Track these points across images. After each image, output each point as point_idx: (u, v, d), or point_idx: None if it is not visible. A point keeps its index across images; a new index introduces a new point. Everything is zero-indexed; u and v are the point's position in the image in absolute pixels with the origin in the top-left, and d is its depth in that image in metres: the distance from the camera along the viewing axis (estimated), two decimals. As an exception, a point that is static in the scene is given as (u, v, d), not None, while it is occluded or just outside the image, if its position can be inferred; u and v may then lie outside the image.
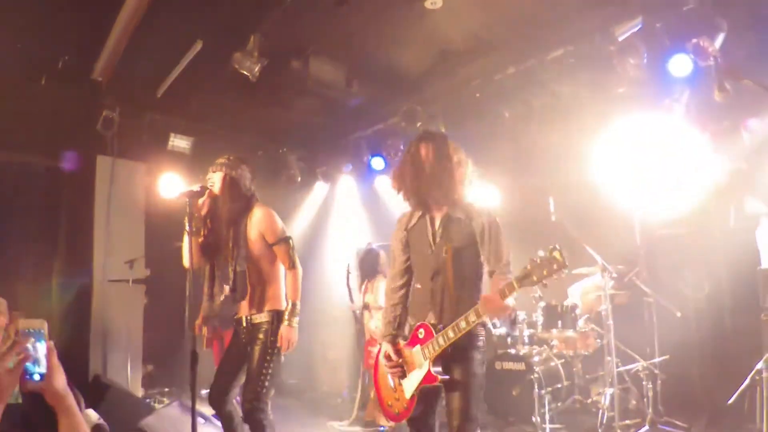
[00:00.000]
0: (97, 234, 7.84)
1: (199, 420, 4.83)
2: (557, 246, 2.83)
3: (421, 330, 3.27)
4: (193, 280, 4.00)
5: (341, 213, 10.23)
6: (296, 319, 4.15)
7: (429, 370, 3.18)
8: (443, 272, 3.28)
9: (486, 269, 3.33)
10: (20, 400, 1.79)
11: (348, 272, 7.24)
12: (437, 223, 3.38)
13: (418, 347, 3.25)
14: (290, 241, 4.30)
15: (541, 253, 2.88)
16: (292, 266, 4.25)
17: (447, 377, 3.19)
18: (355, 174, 9.49)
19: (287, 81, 6.90)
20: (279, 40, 6.30)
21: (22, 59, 6.46)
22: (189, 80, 6.91)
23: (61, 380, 1.76)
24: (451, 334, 3.10)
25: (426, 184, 3.34)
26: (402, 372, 3.32)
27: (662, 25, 5.89)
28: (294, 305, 4.17)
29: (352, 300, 7.20)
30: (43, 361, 1.73)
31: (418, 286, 3.44)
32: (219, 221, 4.29)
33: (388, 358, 3.35)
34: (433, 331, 3.21)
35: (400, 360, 3.32)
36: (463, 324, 3.07)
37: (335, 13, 5.74)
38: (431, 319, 3.30)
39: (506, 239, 3.34)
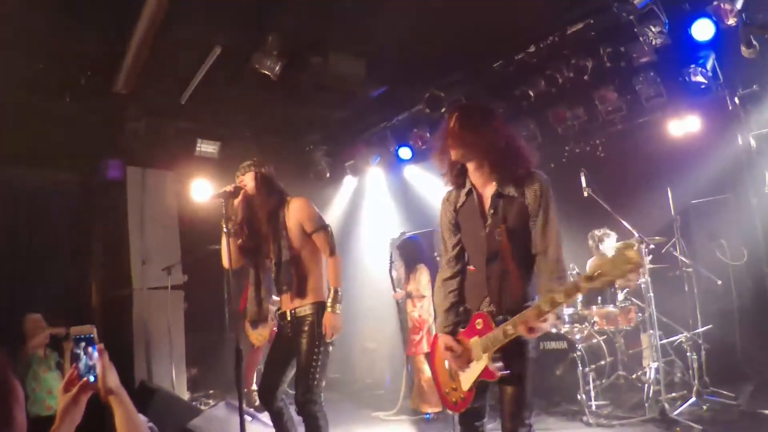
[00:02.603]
0: (132, 244, 7.99)
1: (247, 418, 4.88)
2: (632, 242, 2.51)
3: (479, 321, 3.06)
4: (232, 280, 4.06)
5: (372, 205, 10.28)
6: (339, 306, 4.16)
7: (487, 366, 2.99)
8: (501, 257, 3.05)
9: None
10: None
11: (391, 262, 7.24)
12: (487, 201, 3.13)
13: (476, 339, 3.05)
14: (329, 228, 4.31)
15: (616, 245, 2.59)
16: (332, 253, 4.26)
17: (507, 372, 2.98)
18: (383, 165, 9.47)
19: (308, 77, 6.91)
20: (297, 37, 6.33)
21: (45, 79, 6.58)
22: (211, 85, 6.97)
23: (113, 378, 1.88)
24: (510, 331, 2.87)
25: (467, 153, 3.11)
26: (464, 363, 3.12)
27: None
28: (336, 292, 4.18)
29: (395, 290, 7.21)
30: (97, 364, 1.86)
31: (472, 268, 3.23)
32: (257, 220, 4.32)
33: (450, 349, 3.13)
34: (492, 324, 3.01)
35: (462, 350, 3.11)
36: (510, 329, 2.88)
37: (350, 5, 5.74)
38: (489, 306, 3.11)
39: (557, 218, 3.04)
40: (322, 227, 4.27)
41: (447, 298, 3.26)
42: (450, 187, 3.34)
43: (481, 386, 3.12)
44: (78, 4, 5.39)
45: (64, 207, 7.95)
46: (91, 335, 1.89)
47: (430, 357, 3.60)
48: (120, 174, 7.95)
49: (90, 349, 1.86)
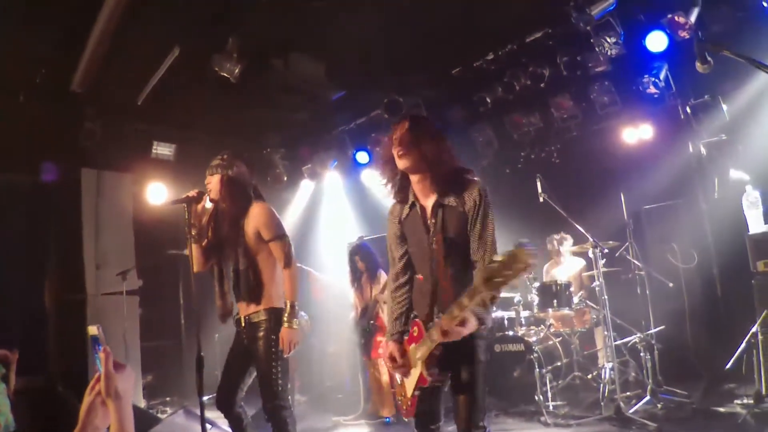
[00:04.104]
0: (86, 248, 7.80)
1: (207, 426, 4.82)
2: (522, 242, 2.41)
3: (415, 328, 3.13)
4: (191, 286, 4.01)
5: (330, 209, 10.25)
6: (296, 321, 4.09)
7: (421, 373, 3.04)
8: (437, 265, 3.11)
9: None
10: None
11: (355, 268, 7.24)
12: (429, 212, 3.19)
13: (413, 346, 3.11)
14: (286, 238, 4.23)
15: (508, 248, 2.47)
16: (288, 264, 4.17)
17: (441, 378, 3.07)
18: (341, 169, 9.49)
19: (268, 80, 6.88)
20: (257, 39, 6.30)
21: (-1, 77, 6.41)
22: (169, 86, 6.86)
23: (113, 384, 1.78)
24: (434, 337, 2.91)
25: (415, 163, 3.13)
26: (406, 371, 3.18)
27: (637, 2, 5.97)
28: (293, 306, 4.10)
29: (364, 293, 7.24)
30: (101, 366, 1.80)
31: (420, 277, 3.28)
32: (222, 222, 4.27)
33: (391, 358, 3.20)
34: (424, 330, 3.05)
35: (404, 360, 3.16)
36: (434, 335, 2.90)
37: (311, 8, 5.74)
38: (438, 313, 3.11)
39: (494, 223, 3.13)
40: (279, 236, 4.19)
41: (395, 308, 3.31)
42: (393, 200, 3.38)
43: (426, 391, 3.15)
44: (34, 2, 5.28)
45: (17, 209, 7.72)
46: (95, 336, 1.85)
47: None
48: (56, 177, 7.70)
49: (98, 348, 1.82)
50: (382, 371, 6.79)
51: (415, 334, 3.12)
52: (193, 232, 4.07)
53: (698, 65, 4.27)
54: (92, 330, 1.86)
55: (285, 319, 4.07)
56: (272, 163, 9.50)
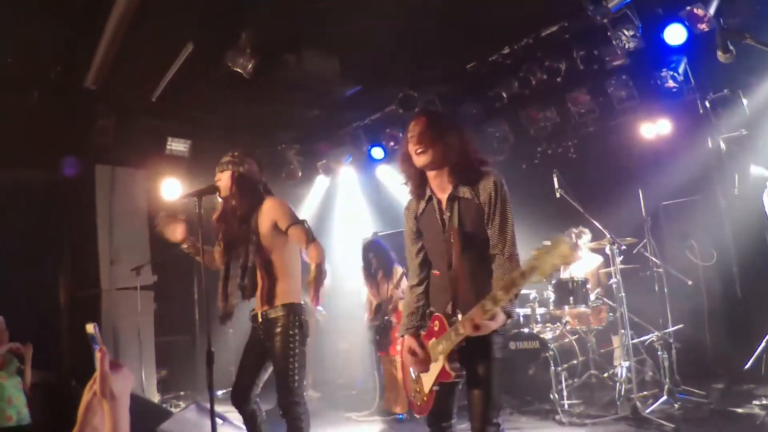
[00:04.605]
0: (101, 244, 7.83)
1: (218, 421, 4.82)
2: (564, 236, 2.57)
3: (436, 322, 3.09)
4: (202, 282, 3.99)
5: (345, 205, 10.25)
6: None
7: (444, 367, 3.01)
8: (455, 259, 3.07)
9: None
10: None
11: (370, 264, 7.22)
12: (444, 205, 3.16)
13: (433, 340, 3.08)
14: (304, 222, 4.15)
15: (546, 242, 2.51)
16: (311, 240, 4.05)
17: (463, 373, 3.02)
18: (356, 165, 9.46)
19: (281, 76, 6.86)
20: (270, 35, 6.27)
21: (14, 74, 6.42)
22: (183, 82, 6.86)
23: (109, 384, 1.73)
24: (461, 330, 2.88)
25: (435, 159, 3.10)
26: (424, 365, 3.14)
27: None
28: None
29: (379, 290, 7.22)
30: (97, 365, 1.76)
31: (436, 273, 3.25)
32: (232, 220, 4.24)
33: (412, 352, 3.15)
34: (447, 325, 3.03)
35: (424, 354, 3.12)
36: (460, 329, 2.89)
37: (323, 3, 5.70)
38: (448, 309, 3.11)
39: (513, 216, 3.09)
40: (298, 222, 4.13)
41: (412, 303, 3.30)
42: (411, 197, 3.36)
43: (444, 387, 3.12)
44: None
45: (32, 205, 7.76)
46: (92, 335, 1.82)
47: (400, 361, 3.58)
48: (75, 171, 7.73)
49: (95, 347, 1.78)
50: (398, 367, 6.75)
51: (436, 328, 3.09)
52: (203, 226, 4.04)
53: (720, 54, 4.18)
54: (89, 329, 1.84)
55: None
56: (286, 159, 9.49)
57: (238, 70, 6.30)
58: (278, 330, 4.06)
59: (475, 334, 2.82)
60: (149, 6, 5.32)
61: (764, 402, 5.48)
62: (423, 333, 3.21)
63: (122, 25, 5.54)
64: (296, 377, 4.03)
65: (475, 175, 3.12)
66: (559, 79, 6.96)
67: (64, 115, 7.31)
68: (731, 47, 4.25)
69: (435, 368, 3.09)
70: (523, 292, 7.02)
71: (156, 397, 7.69)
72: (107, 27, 5.59)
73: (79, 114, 7.39)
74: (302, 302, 4.19)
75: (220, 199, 4.28)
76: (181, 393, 8.26)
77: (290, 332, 4.05)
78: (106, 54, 6.05)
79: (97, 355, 1.76)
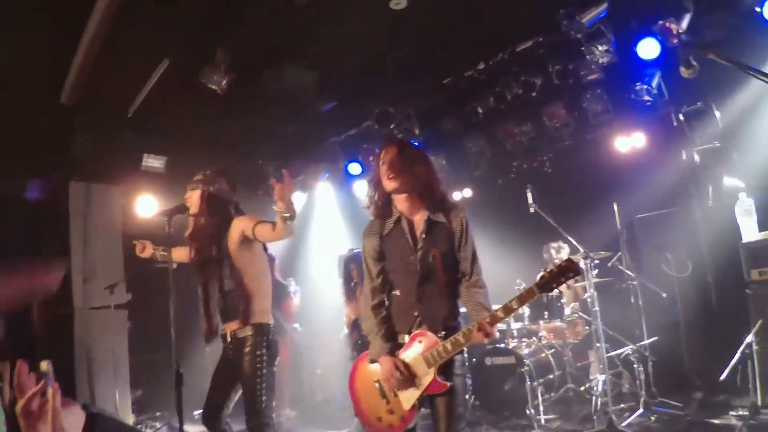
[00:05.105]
0: (74, 262, 7.69)
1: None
2: (570, 256, 2.93)
3: (421, 338, 3.21)
4: (172, 302, 3.95)
5: (321, 221, 10.21)
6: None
7: (435, 378, 3.13)
8: (434, 278, 3.24)
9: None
10: None
11: (350, 277, 7.18)
12: (419, 226, 3.33)
13: (419, 356, 3.18)
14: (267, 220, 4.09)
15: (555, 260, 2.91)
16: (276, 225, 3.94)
17: (451, 384, 3.16)
18: (333, 180, 9.45)
19: (259, 91, 6.84)
20: (248, 50, 6.25)
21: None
22: (160, 98, 6.80)
23: (57, 424, 1.71)
24: (462, 341, 3.10)
25: (404, 185, 3.30)
26: (406, 383, 3.19)
27: (628, 9, 5.94)
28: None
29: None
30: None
31: (398, 292, 3.35)
32: (203, 239, 4.20)
33: (397, 370, 3.17)
34: (437, 338, 3.17)
35: (408, 371, 3.19)
36: (461, 339, 3.10)
37: (301, 19, 5.70)
38: (420, 327, 3.25)
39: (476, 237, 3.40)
40: (262, 220, 4.08)
41: (380, 324, 3.37)
42: (372, 217, 3.50)
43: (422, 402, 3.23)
44: (24, 13, 5.23)
45: (3, 222, 7.63)
46: (45, 372, 1.76)
47: (350, 383, 3.55)
48: (41, 195, 7.64)
49: (48, 384, 1.72)
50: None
51: (421, 343, 3.21)
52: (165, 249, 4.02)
53: (683, 70, 4.24)
54: (43, 366, 1.80)
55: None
56: (264, 175, 9.44)
57: (213, 86, 6.27)
58: (246, 350, 4.05)
59: (485, 341, 3.09)
60: (126, 21, 5.28)
61: (741, 413, 5.52)
62: (397, 352, 3.27)
63: (97, 41, 5.48)
64: (264, 398, 4.00)
65: (446, 203, 3.39)
66: (534, 94, 7.00)
67: (40, 130, 7.22)
68: (694, 62, 4.32)
69: (423, 382, 3.18)
70: (497, 306, 7.05)
71: (131, 419, 7.56)
72: (82, 42, 5.54)
73: (54, 129, 7.30)
74: (271, 322, 4.17)
75: (191, 218, 4.25)
76: (157, 414, 8.13)
77: (257, 352, 4.04)
78: (82, 69, 5.98)
79: (49, 391, 1.73)
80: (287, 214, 3.78)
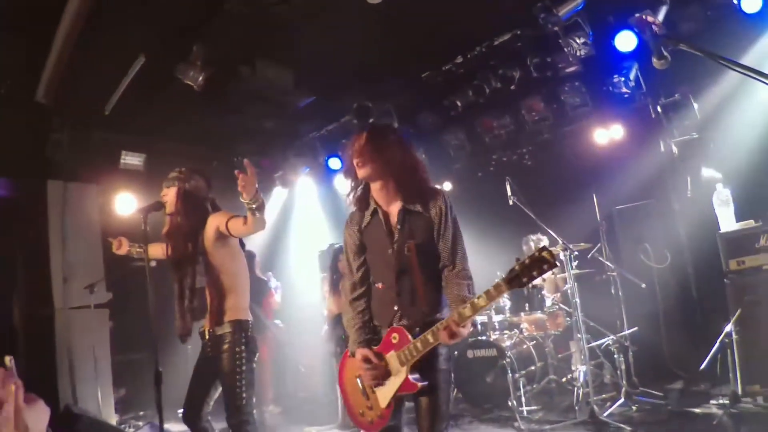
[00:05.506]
0: (53, 261, 7.60)
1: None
2: (546, 246, 2.71)
3: (395, 335, 3.07)
4: (150, 300, 3.92)
5: (302, 216, 10.18)
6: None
7: (407, 378, 3.00)
8: (409, 272, 3.10)
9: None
10: None
11: (334, 272, 7.16)
12: (393, 217, 3.19)
13: (392, 353, 3.06)
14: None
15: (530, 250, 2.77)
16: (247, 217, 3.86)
17: (426, 383, 3.02)
18: (313, 175, 9.43)
19: (236, 88, 6.80)
20: (225, 47, 6.22)
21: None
22: (137, 95, 6.74)
23: (20, 422, 1.68)
24: (431, 340, 2.92)
25: (374, 172, 3.16)
26: (380, 378, 3.11)
27: (605, 2, 5.97)
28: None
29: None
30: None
31: (380, 285, 3.25)
32: (179, 236, 4.17)
33: (368, 361, 3.10)
34: (409, 336, 3.02)
35: (379, 363, 3.09)
36: (430, 338, 2.93)
37: (277, 14, 5.67)
38: (400, 321, 3.14)
39: (461, 227, 3.21)
40: (235, 215, 4.03)
41: (358, 317, 3.27)
42: (353, 209, 3.38)
43: (397, 402, 3.12)
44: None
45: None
46: (8, 367, 1.69)
47: (339, 378, 3.52)
48: (7, 193, 7.54)
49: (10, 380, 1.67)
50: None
51: (395, 341, 3.07)
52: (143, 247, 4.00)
53: (654, 61, 4.24)
54: (6, 361, 1.76)
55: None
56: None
57: (189, 83, 6.23)
58: (225, 347, 4.02)
59: (452, 342, 2.89)
60: (100, 18, 5.22)
61: (721, 401, 5.56)
62: (375, 347, 3.17)
63: (72, 38, 5.43)
64: (244, 395, 3.98)
65: (423, 190, 3.21)
66: (513, 87, 7.03)
67: (16, 129, 7.13)
68: (665, 53, 4.32)
69: (395, 381, 3.07)
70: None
71: (114, 418, 7.51)
72: (56, 39, 5.48)
73: (31, 128, 7.21)
74: (249, 319, 4.15)
75: (167, 216, 4.22)
76: (141, 413, 8.08)
77: (236, 349, 4.01)
78: (57, 67, 5.92)
79: (11, 387, 1.69)
80: (254, 205, 3.71)
